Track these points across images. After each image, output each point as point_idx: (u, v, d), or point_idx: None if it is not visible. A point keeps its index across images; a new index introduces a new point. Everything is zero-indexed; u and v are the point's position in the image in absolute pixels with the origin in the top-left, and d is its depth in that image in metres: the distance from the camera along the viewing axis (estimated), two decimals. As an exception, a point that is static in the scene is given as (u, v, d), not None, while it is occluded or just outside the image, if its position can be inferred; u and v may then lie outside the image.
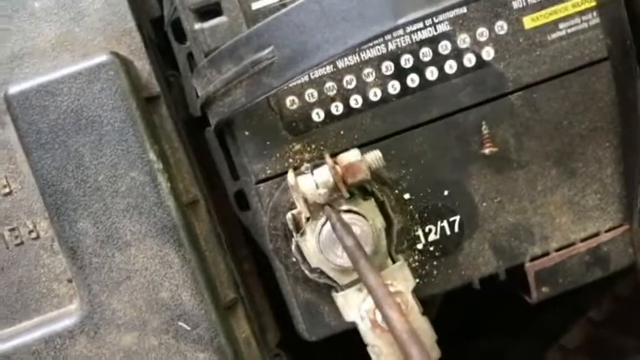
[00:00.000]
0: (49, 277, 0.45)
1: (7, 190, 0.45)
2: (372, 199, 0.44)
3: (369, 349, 0.45)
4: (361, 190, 0.44)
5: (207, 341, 0.44)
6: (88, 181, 0.43)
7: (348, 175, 0.41)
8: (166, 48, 0.51)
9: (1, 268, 0.45)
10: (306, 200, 0.42)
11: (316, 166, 0.43)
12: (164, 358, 0.43)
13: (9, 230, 0.45)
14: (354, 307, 0.45)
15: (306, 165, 0.44)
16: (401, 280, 0.44)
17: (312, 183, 0.42)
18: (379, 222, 0.44)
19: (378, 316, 0.44)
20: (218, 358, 0.44)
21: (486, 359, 0.64)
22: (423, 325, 0.44)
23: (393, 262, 0.45)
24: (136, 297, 0.43)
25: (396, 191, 0.47)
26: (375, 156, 0.42)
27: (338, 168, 0.41)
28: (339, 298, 0.45)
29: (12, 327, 0.45)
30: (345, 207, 0.43)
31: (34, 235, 0.45)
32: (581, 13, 0.47)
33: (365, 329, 0.45)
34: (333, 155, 0.44)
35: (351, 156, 0.42)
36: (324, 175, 0.42)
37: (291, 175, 0.43)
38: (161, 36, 0.51)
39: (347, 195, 0.42)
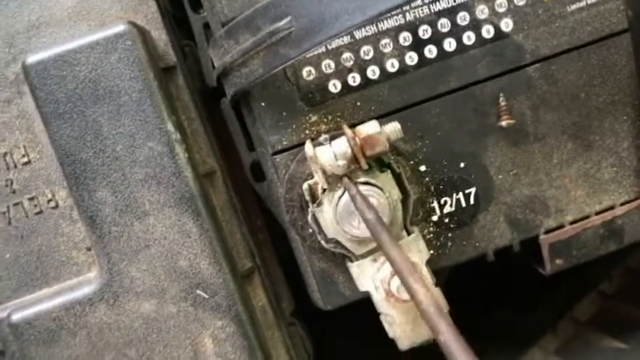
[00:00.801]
0: (68, 245, 0.46)
1: (25, 159, 0.46)
2: (389, 171, 0.44)
3: (382, 318, 0.46)
4: (378, 162, 0.44)
5: (224, 309, 0.44)
6: (106, 151, 0.43)
7: (367, 147, 0.41)
8: (181, 17, 0.51)
9: (21, 236, 0.46)
10: (324, 171, 0.42)
11: (334, 137, 0.43)
12: (182, 325, 0.44)
13: (28, 199, 0.46)
14: (369, 276, 0.45)
15: (324, 136, 0.44)
16: (415, 251, 0.45)
17: (330, 154, 0.42)
18: (395, 194, 0.44)
19: (393, 286, 0.44)
20: (235, 326, 0.44)
21: (500, 330, 0.65)
22: (437, 296, 0.45)
23: (408, 233, 0.45)
24: (154, 265, 0.44)
25: (412, 162, 0.47)
26: (393, 128, 0.42)
27: (357, 139, 0.41)
28: (354, 267, 0.46)
29: (32, 294, 0.46)
30: (362, 179, 0.43)
31: (52, 204, 0.46)
32: (603, -17, 0.47)
33: (379, 298, 0.45)
34: (351, 126, 0.44)
35: (370, 128, 0.42)
36: (342, 146, 0.42)
37: (309, 145, 0.43)
38: (176, 5, 0.51)
39: (365, 167, 0.42)
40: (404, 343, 0.46)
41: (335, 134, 0.44)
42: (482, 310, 0.67)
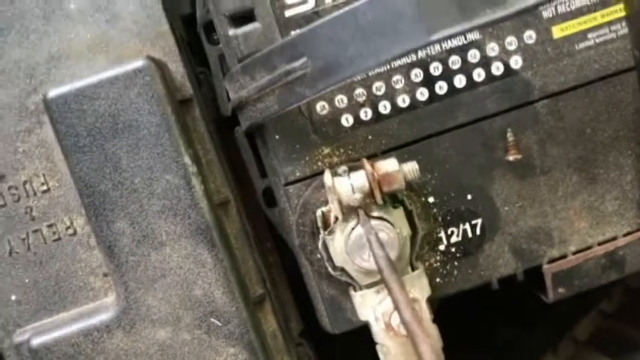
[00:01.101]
0: (85, 271, 0.47)
1: (45, 187, 0.47)
2: (401, 208, 0.45)
3: (378, 348, 0.47)
4: (391, 197, 0.45)
5: (237, 337, 0.46)
6: (124, 184, 0.44)
7: (384, 184, 0.43)
8: (196, 44, 0.52)
9: (39, 262, 0.47)
10: (339, 201, 0.44)
11: (352, 169, 0.44)
12: (196, 353, 0.46)
13: (47, 226, 0.47)
14: (370, 307, 0.47)
15: (342, 167, 0.45)
16: (418, 287, 0.46)
17: (348, 186, 0.43)
18: (405, 230, 0.45)
19: (394, 321, 0.45)
20: (248, 353, 0.46)
21: (501, 348, 0.66)
22: (433, 332, 0.46)
23: (413, 269, 0.47)
24: (170, 294, 0.45)
25: (422, 199, 0.48)
26: (411, 168, 0.44)
27: (375, 175, 0.43)
28: (357, 297, 0.47)
29: (50, 318, 0.47)
30: (376, 213, 0.44)
31: (71, 231, 0.47)
32: (610, 23, 0.48)
33: (377, 330, 0.47)
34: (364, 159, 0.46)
35: (390, 165, 0.43)
36: (361, 180, 0.43)
37: (328, 175, 0.44)
38: (191, 34, 0.52)
39: (381, 202, 0.43)
40: None
41: (352, 166, 0.45)
42: (484, 328, 0.68)
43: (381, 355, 0.47)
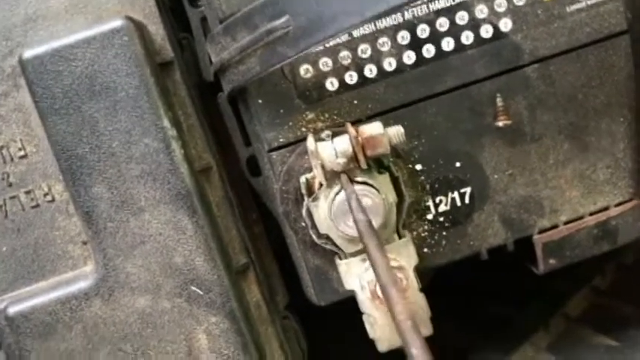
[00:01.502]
0: (64, 239, 0.46)
1: (22, 152, 0.46)
2: (387, 173, 0.44)
3: (365, 318, 0.46)
4: (376, 163, 0.44)
5: (219, 305, 0.45)
6: (102, 147, 0.43)
7: (368, 148, 0.42)
8: (179, 9, 0.51)
9: (17, 229, 0.46)
10: (323, 167, 0.42)
11: (336, 133, 0.43)
12: (177, 321, 0.45)
13: (25, 192, 0.46)
14: (355, 275, 0.45)
15: (326, 132, 0.44)
16: (405, 255, 0.45)
17: (331, 150, 0.42)
18: (391, 196, 0.44)
19: (379, 289, 0.44)
20: (229, 322, 0.45)
21: (494, 324, 0.65)
22: (420, 301, 0.45)
23: (400, 237, 0.45)
24: (150, 261, 0.44)
25: (410, 166, 0.47)
26: (396, 131, 0.42)
27: (359, 138, 0.41)
28: (342, 265, 0.46)
29: (29, 287, 0.46)
30: (360, 178, 0.43)
31: (49, 197, 0.46)
32: (603, -16, 0.46)
33: (363, 299, 0.45)
34: (352, 124, 0.45)
35: (374, 129, 0.42)
36: (344, 144, 0.42)
37: (311, 140, 0.43)
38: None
39: (365, 166, 0.42)
40: (383, 345, 0.46)
41: (337, 131, 0.44)
42: (476, 304, 0.67)
43: (367, 326, 0.46)
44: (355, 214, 0.40)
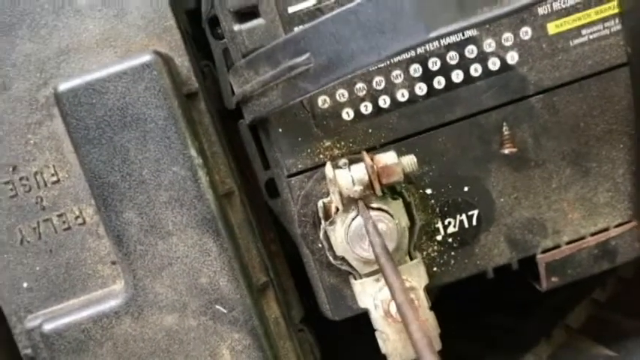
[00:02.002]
0: (94, 259, 0.49)
1: (55, 178, 0.48)
2: (400, 199, 0.47)
3: (377, 334, 0.49)
4: (390, 189, 0.47)
5: (241, 323, 0.47)
6: (133, 175, 0.46)
7: (383, 176, 0.44)
8: (199, 37, 0.53)
9: (50, 250, 0.49)
10: (340, 193, 0.45)
11: (352, 161, 0.46)
12: (202, 338, 0.47)
13: (57, 216, 0.49)
14: (369, 294, 0.48)
15: (343, 160, 0.46)
16: (416, 276, 0.48)
17: (348, 178, 0.45)
18: (404, 221, 0.47)
19: (392, 308, 0.47)
20: (251, 338, 0.48)
21: (495, 335, 0.68)
22: (430, 319, 0.48)
23: (411, 258, 0.48)
24: (177, 282, 0.47)
25: (420, 190, 0.50)
26: (410, 160, 0.45)
27: (375, 167, 0.44)
28: (357, 285, 0.49)
29: (61, 304, 0.49)
30: (375, 204, 0.45)
31: (80, 220, 0.49)
32: (604, 19, 0.49)
33: (376, 317, 0.48)
34: (364, 152, 0.47)
35: (389, 158, 0.45)
36: (360, 172, 0.44)
37: (329, 168, 0.46)
38: (196, 28, 0.53)
39: (380, 194, 0.45)
40: None
41: (353, 159, 0.47)
42: (479, 315, 0.70)
43: (380, 342, 0.49)
44: (372, 239, 0.43)
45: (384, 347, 0.49)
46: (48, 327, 0.47)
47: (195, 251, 0.47)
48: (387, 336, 0.49)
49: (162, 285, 0.47)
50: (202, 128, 0.49)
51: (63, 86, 0.45)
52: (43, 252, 0.49)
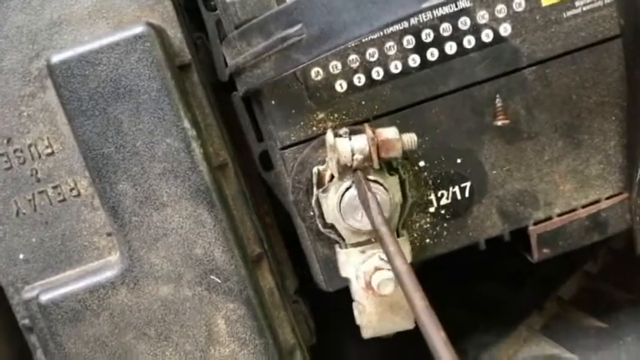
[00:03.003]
0: (89, 230, 0.49)
1: (49, 150, 0.49)
2: (396, 176, 0.47)
3: (354, 305, 0.50)
4: (387, 165, 0.47)
5: (236, 293, 0.48)
6: (126, 147, 0.46)
7: (383, 150, 0.44)
8: (192, 9, 0.53)
9: (45, 222, 0.49)
10: (338, 161, 0.45)
11: (353, 132, 0.46)
12: (197, 308, 0.48)
13: (52, 187, 0.49)
14: (353, 265, 0.49)
15: (344, 129, 0.47)
16: (401, 253, 0.48)
17: (348, 146, 0.45)
18: (397, 197, 0.47)
19: (374, 280, 0.47)
20: (246, 308, 0.48)
21: (488, 305, 0.69)
22: None
23: (398, 235, 0.49)
24: (172, 252, 0.47)
25: (415, 167, 0.50)
26: (410, 138, 0.45)
27: (376, 140, 0.44)
28: (342, 254, 0.49)
29: (57, 275, 0.49)
30: (372, 176, 0.46)
31: (75, 192, 0.49)
32: (598, -9, 0.49)
33: (357, 288, 0.49)
34: (356, 124, 0.48)
35: (390, 132, 0.45)
36: (362, 143, 0.45)
37: (330, 135, 0.46)
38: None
39: (377, 167, 0.45)
40: (367, 332, 0.50)
41: (354, 129, 0.47)
42: (471, 287, 0.71)
43: (356, 312, 0.50)
44: (372, 207, 0.43)
45: (359, 318, 0.50)
46: (45, 298, 0.47)
47: (190, 222, 0.47)
48: (364, 308, 0.49)
49: (158, 256, 0.47)
50: (195, 100, 0.49)
51: (55, 58, 0.45)
52: (38, 224, 0.49)
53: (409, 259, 0.49)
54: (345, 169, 0.46)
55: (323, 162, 0.49)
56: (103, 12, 0.48)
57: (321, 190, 0.48)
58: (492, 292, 0.71)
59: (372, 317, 0.49)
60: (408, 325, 0.49)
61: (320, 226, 0.49)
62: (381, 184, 0.46)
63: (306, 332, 0.57)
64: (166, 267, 0.47)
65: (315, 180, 0.48)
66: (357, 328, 0.63)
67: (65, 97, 0.46)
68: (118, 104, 0.46)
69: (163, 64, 0.46)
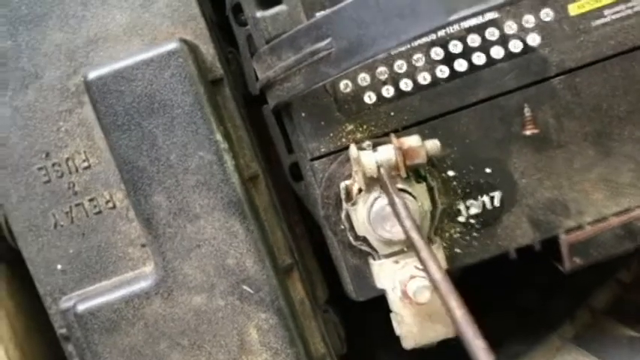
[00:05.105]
0: (124, 242, 0.51)
1: (86, 164, 0.50)
2: (424, 183, 0.47)
3: (393, 316, 0.50)
4: (414, 173, 0.47)
5: (268, 303, 0.49)
6: (161, 160, 0.47)
7: (407, 158, 0.45)
8: (224, 24, 0.54)
9: (82, 233, 0.50)
10: (364, 174, 0.46)
11: (376, 144, 0.47)
12: (230, 317, 0.49)
13: (88, 200, 0.50)
14: (388, 276, 0.49)
15: (367, 142, 0.47)
16: (435, 260, 0.48)
17: (372, 159, 0.45)
18: (427, 205, 0.47)
19: (410, 289, 0.47)
20: (277, 318, 0.49)
21: (519, 315, 0.68)
22: None
23: (431, 243, 0.49)
24: (205, 263, 0.48)
25: (442, 174, 0.50)
26: (433, 144, 0.46)
27: (400, 149, 0.45)
28: (376, 266, 0.49)
29: (93, 286, 0.51)
30: (400, 186, 0.46)
31: (110, 205, 0.50)
32: (626, -1, 0.49)
33: (394, 298, 0.49)
34: (385, 134, 0.48)
35: (413, 141, 0.45)
36: (387, 153, 0.45)
37: (353, 149, 0.47)
38: (219, 14, 0.54)
39: (405, 175, 0.45)
40: (408, 343, 0.50)
41: (377, 142, 0.48)
42: (502, 296, 0.70)
43: (395, 323, 0.50)
44: (403, 218, 0.43)
45: (399, 329, 0.50)
46: (81, 307, 0.49)
47: (223, 233, 0.48)
48: (403, 318, 0.49)
49: (191, 266, 0.48)
50: (227, 113, 0.50)
51: (92, 74, 0.47)
52: (75, 235, 0.50)
53: (443, 265, 0.49)
54: (371, 182, 0.46)
55: (350, 176, 0.49)
56: (138, 29, 0.49)
57: (350, 203, 0.48)
58: (524, 301, 0.71)
59: (411, 327, 0.49)
60: (449, 334, 0.49)
61: (351, 239, 0.50)
62: (409, 193, 0.46)
63: (337, 342, 0.58)
64: (199, 277, 0.48)
65: (343, 195, 0.49)
66: (387, 338, 0.63)
67: (101, 112, 0.47)
68: (152, 119, 0.47)
69: (196, 79, 0.47)
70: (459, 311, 0.34)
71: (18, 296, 0.57)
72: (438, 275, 0.37)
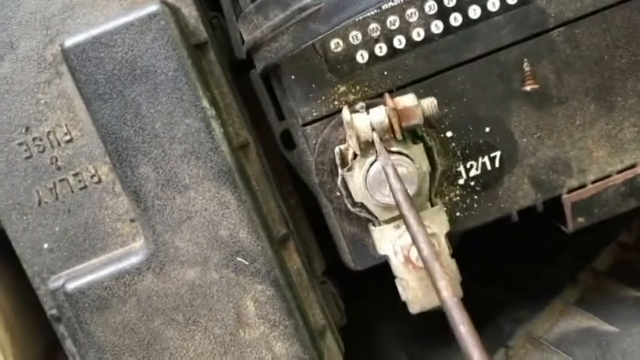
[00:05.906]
0: (112, 217, 0.49)
1: (68, 137, 0.48)
2: (421, 144, 0.45)
3: (397, 281, 0.48)
4: (411, 134, 0.45)
5: (264, 274, 0.47)
6: (146, 129, 0.45)
7: (403, 119, 0.43)
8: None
9: (68, 210, 0.48)
10: (358, 137, 0.44)
11: (370, 105, 0.45)
12: (225, 290, 0.47)
13: (73, 175, 0.48)
14: (389, 241, 0.48)
15: (360, 104, 0.46)
16: (437, 223, 0.47)
17: (366, 121, 0.43)
18: (425, 166, 0.46)
19: (412, 254, 0.46)
20: (274, 289, 0.47)
21: (521, 280, 0.67)
22: (452, 266, 0.48)
23: (432, 205, 0.47)
24: (197, 235, 0.46)
25: (441, 134, 0.48)
26: (430, 102, 0.44)
27: (394, 109, 0.43)
28: (376, 232, 0.48)
29: (82, 264, 0.49)
30: (395, 148, 0.44)
31: (96, 179, 0.48)
32: (627, -55, 0.47)
33: (397, 263, 0.48)
34: (379, 95, 0.46)
35: (408, 100, 0.43)
36: (380, 115, 0.43)
37: (346, 112, 0.45)
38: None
39: (400, 137, 0.43)
40: (414, 307, 0.48)
41: (371, 103, 0.46)
42: (504, 260, 0.69)
43: (399, 289, 0.49)
44: (392, 183, 0.42)
45: (404, 294, 0.48)
46: (71, 286, 0.47)
47: (214, 204, 0.46)
48: (407, 283, 0.48)
49: (183, 239, 0.46)
50: (213, 79, 0.48)
51: (69, 42, 0.44)
52: (61, 212, 0.48)
53: (446, 227, 0.47)
54: (366, 145, 0.45)
55: (344, 140, 0.47)
56: (116, -7, 0.47)
57: (345, 169, 0.46)
58: (525, 266, 0.70)
59: (416, 292, 0.48)
60: (459, 294, 0.48)
61: (349, 205, 0.48)
62: (406, 155, 0.44)
63: (336, 313, 0.56)
64: (192, 250, 0.46)
65: (338, 160, 0.47)
66: (387, 309, 0.62)
67: (81, 81, 0.45)
68: (135, 86, 0.45)
69: (179, 43, 0.45)
70: (442, 283, 0.32)
71: (5, 278, 0.55)
72: (424, 246, 0.35)
